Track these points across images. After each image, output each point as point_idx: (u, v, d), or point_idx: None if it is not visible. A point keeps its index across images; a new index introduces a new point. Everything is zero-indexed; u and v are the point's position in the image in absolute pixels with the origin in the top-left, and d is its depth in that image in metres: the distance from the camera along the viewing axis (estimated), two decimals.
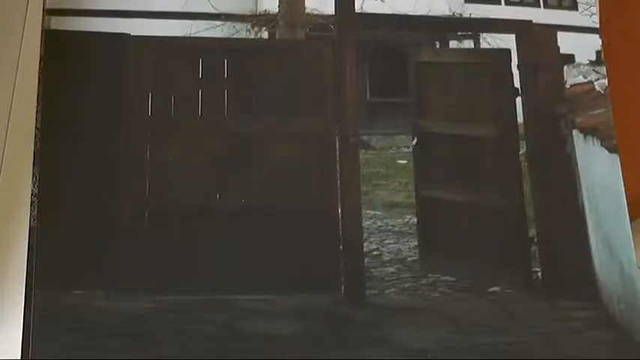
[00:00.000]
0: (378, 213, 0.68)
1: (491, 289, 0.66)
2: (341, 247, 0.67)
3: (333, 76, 0.69)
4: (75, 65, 0.67)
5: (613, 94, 0.71)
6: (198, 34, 0.69)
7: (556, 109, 0.71)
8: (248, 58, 0.69)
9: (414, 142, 0.70)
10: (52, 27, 0.68)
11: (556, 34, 0.73)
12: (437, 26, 0.73)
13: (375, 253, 0.68)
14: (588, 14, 0.75)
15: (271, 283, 0.65)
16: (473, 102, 0.71)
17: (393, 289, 0.66)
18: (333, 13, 0.71)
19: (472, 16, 0.74)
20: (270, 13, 0.71)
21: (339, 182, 0.67)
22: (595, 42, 0.73)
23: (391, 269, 0.67)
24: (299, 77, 0.69)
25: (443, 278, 0.67)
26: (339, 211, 0.67)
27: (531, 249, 0.68)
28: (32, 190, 0.64)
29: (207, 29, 0.70)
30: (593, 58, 0.73)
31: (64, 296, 0.62)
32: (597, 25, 0.74)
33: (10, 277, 0.62)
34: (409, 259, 0.68)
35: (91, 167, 0.65)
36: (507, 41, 0.72)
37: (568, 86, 0.72)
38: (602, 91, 0.71)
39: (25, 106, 0.66)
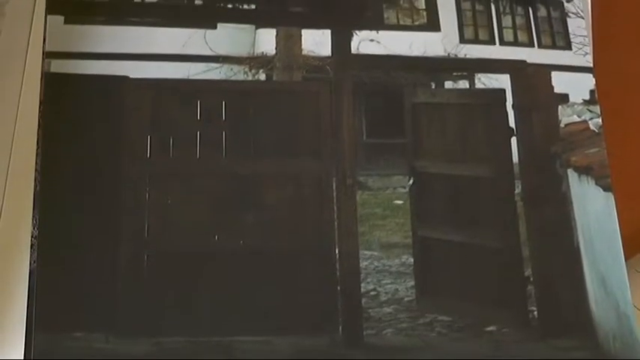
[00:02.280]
0: (376, 253, 0.80)
1: (487, 329, 0.78)
2: (338, 288, 0.78)
3: (330, 118, 0.82)
4: (74, 108, 0.79)
5: (607, 132, 0.84)
6: (196, 76, 0.82)
7: (551, 148, 0.83)
8: (246, 99, 0.81)
9: (411, 182, 0.83)
10: (52, 70, 0.80)
11: (550, 74, 0.86)
12: (432, 67, 0.86)
13: (372, 293, 0.80)
14: (582, 54, 0.88)
15: (270, 325, 0.76)
16: (468, 142, 0.84)
17: (390, 330, 0.78)
18: (330, 54, 0.84)
19: (467, 56, 0.87)
20: (268, 55, 0.84)
21: (336, 223, 0.80)
22: (589, 81, 0.87)
23: (388, 309, 0.79)
24: (296, 119, 0.81)
25: (440, 318, 0.79)
26: (337, 251, 0.79)
27: (527, 288, 0.80)
28: (32, 233, 0.75)
29: (205, 71, 0.82)
30: (587, 98, 0.86)
31: (63, 339, 0.73)
32: (591, 65, 0.87)
33: (10, 318, 0.73)
34: (406, 299, 0.80)
35: (91, 209, 0.77)
36: (502, 81, 0.85)
37: (563, 125, 0.84)
38: (597, 130, 0.84)
39: (24, 149, 0.78)
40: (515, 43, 0.88)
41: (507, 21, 0.88)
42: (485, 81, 0.84)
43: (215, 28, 0.82)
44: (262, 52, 0.82)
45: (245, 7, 0.84)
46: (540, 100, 0.83)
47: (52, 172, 0.75)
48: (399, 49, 0.83)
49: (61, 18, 0.81)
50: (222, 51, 0.81)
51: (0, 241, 0.73)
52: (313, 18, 0.84)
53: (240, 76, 0.81)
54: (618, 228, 0.77)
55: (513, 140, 0.82)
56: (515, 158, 0.81)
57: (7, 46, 0.80)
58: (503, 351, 0.75)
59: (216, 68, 0.80)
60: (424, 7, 0.87)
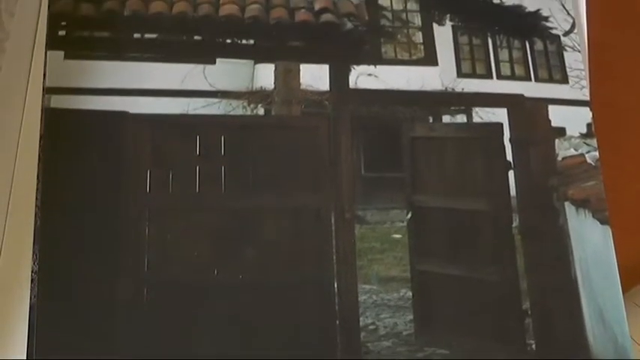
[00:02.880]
0: (374, 287, 0.86)
1: None
2: (337, 322, 0.84)
3: (329, 152, 0.87)
4: (74, 143, 0.84)
5: (604, 165, 0.90)
6: (195, 112, 0.88)
7: (548, 181, 0.89)
8: (244, 134, 0.87)
9: (409, 216, 0.88)
10: (52, 105, 0.85)
11: (547, 108, 0.92)
12: (430, 101, 0.92)
13: (371, 327, 0.85)
14: (579, 87, 0.94)
15: (269, 358, 0.82)
16: (466, 176, 0.89)
17: None
18: (328, 89, 0.90)
19: (465, 90, 0.93)
20: (266, 89, 0.90)
21: (334, 257, 0.85)
22: (585, 114, 0.92)
23: (387, 343, 0.84)
24: (295, 153, 0.87)
25: (438, 352, 0.84)
26: (336, 285, 0.85)
27: (525, 322, 0.85)
28: (32, 268, 0.81)
29: (204, 106, 0.88)
30: (584, 131, 0.92)
31: None
32: (588, 98, 0.93)
33: (11, 353, 0.78)
34: (405, 332, 0.85)
35: (91, 244, 0.82)
36: (499, 115, 0.91)
37: (560, 159, 0.90)
38: (594, 163, 0.90)
39: (25, 184, 0.83)
40: (513, 77, 0.94)
41: (504, 55, 0.94)
42: (483, 115, 0.90)
43: (214, 63, 0.88)
44: (261, 87, 0.87)
45: (244, 42, 0.90)
46: (537, 134, 0.89)
47: (52, 207, 0.80)
48: (396, 83, 0.89)
49: (61, 53, 0.86)
50: (221, 86, 0.87)
51: (0, 275, 0.78)
52: (311, 53, 0.90)
53: (239, 111, 0.86)
54: (616, 261, 0.83)
55: (511, 174, 0.87)
56: (512, 192, 0.87)
57: (7, 81, 0.85)
58: None
59: (215, 103, 0.86)
60: (422, 41, 0.93)
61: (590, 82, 0.91)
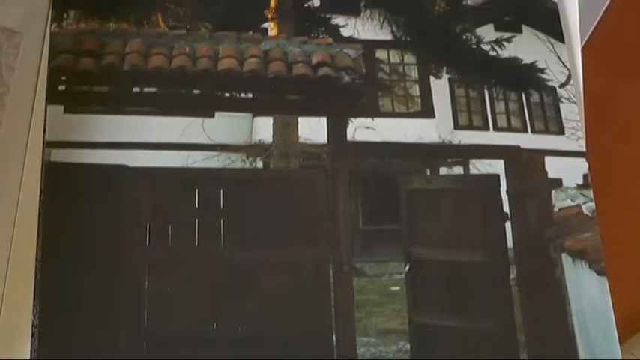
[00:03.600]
0: (372, 340, 0.93)
1: None
2: None
3: (327, 205, 0.95)
4: (74, 197, 0.91)
5: (600, 216, 0.97)
6: (194, 165, 0.95)
7: (545, 233, 0.96)
8: (243, 187, 0.95)
9: (407, 268, 0.96)
10: (52, 159, 0.93)
11: (543, 159, 1.00)
12: (427, 154, 1.00)
13: None
14: (575, 138, 1.02)
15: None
16: (463, 228, 0.97)
17: None
18: (326, 142, 0.98)
19: (461, 142, 1.01)
20: (265, 143, 0.98)
21: (333, 309, 0.92)
22: (582, 166, 1.00)
23: None
24: (293, 206, 0.94)
25: None
26: (334, 338, 0.91)
27: None
28: (33, 321, 0.87)
29: (203, 160, 0.96)
30: (580, 182, 0.99)
31: None
32: (584, 149, 1.01)
33: None
34: None
35: (91, 297, 0.89)
36: (496, 167, 0.99)
37: (556, 210, 0.98)
38: (590, 214, 0.98)
39: (25, 237, 0.89)
40: (509, 128, 1.02)
41: (501, 107, 1.03)
42: (480, 167, 0.97)
43: (213, 116, 0.96)
44: (259, 140, 0.95)
45: (242, 95, 0.98)
46: (534, 186, 0.97)
47: (52, 261, 0.86)
48: (394, 136, 0.97)
49: (61, 108, 0.94)
50: (220, 139, 0.94)
51: (1, 329, 0.84)
52: (309, 106, 0.98)
53: (238, 164, 0.94)
54: (613, 312, 0.90)
55: (508, 225, 0.95)
56: (509, 243, 0.94)
57: (8, 135, 0.91)
58: None
59: (214, 156, 0.94)
60: (418, 94, 1.01)
61: (586, 133, 0.98)
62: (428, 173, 0.95)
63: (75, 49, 0.96)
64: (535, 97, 1.01)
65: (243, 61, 0.96)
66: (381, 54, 1.00)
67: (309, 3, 1.03)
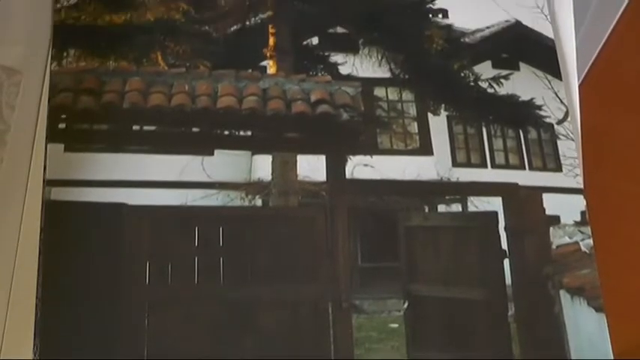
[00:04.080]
0: None
1: None
2: None
3: (326, 242, 0.99)
4: (74, 235, 0.96)
5: (598, 253, 1.02)
6: (194, 203, 1.00)
7: (543, 270, 1.01)
8: (242, 225, 0.99)
9: (405, 305, 1.01)
10: (52, 197, 0.97)
11: (541, 196, 1.05)
12: (426, 191, 1.05)
13: None
14: (572, 175, 1.08)
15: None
16: (462, 265, 1.02)
17: None
18: (325, 179, 1.03)
19: (460, 179, 1.06)
20: (264, 181, 1.03)
21: (332, 346, 0.96)
22: (579, 202, 1.05)
23: None
24: (292, 244, 0.99)
25: None
26: None
27: None
28: None
29: (202, 198, 1.01)
30: (578, 219, 1.05)
31: None
32: (581, 186, 1.06)
33: None
34: None
35: (91, 335, 0.93)
36: (494, 204, 1.04)
37: (554, 247, 1.03)
38: (588, 251, 1.03)
39: (25, 276, 0.93)
40: (507, 165, 1.07)
41: (498, 144, 1.08)
42: (478, 204, 1.03)
43: (212, 154, 1.01)
44: (259, 178, 1.00)
45: (241, 133, 1.03)
46: (532, 223, 1.02)
47: (52, 299, 0.90)
48: (392, 173, 1.02)
49: (61, 146, 0.98)
50: (219, 177, 0.99)
51: None
52: (308, 144, 1.03)
53: (237, 202, 0.99)
54: (611, 348, 0.95)
55: (506, 262, 1.00)
56: (508, 280, 0.99)
57: (8, 174, 0.95)
58: None
59: (214, 194, 0.99)
60: (417, 131, 1.07)
61: (583, 169, 1.04)
62: (426, 210, 1.00)
63: (75, 87, 1.00)
64: (533, 134, 1.07)
65: (242, 99, 1.01)
66: (379, 91, 1.06)
67: (308, 41, 1.08)
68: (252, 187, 0.95)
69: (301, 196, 0.97)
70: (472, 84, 1.08)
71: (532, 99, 1.08)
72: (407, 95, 1.04)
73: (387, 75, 1.06)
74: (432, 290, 0.96)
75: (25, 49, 1.00)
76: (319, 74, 1.06)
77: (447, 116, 1.04)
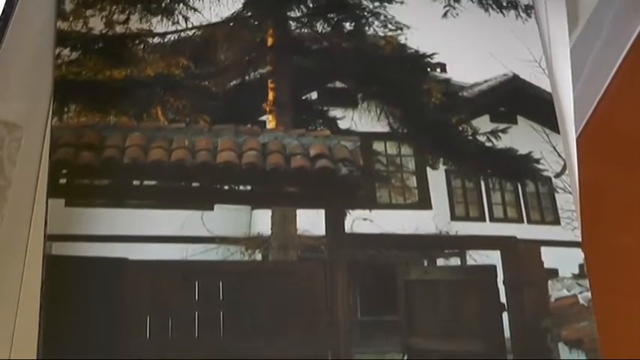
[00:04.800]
0: None
1: None
2: None
3: (325, 296, 1.07)
4: (75, 289, 1.02)
5: (596, 306, 1.10)
6: (194, 257, 1.08)
7: (542, 323, 1.08)
8: (242, 280, 1.07)
9: (405, 359, 1.08)
10: (54, 252, 1.04)
11: (540, 249, 1.13)
12: (424, 245, 1.12)
13: None
14: (570, 228, 1.16)
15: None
16: (460, 318, 1.09)
17: None
18: (324, 234, 1.11)
19: (458, 233, 1.14)
20: (263, 235, 1.10)
21: None
22: (577, 255, 1.13)
23: None
24: (292, 297, 1.06)
25: None
26: None
27: None
28: None
29: (203, 252, 1.08)
30: (577, 272, 1.12)
31: None
32: (579, 239, 1.14)
33: None
34: None
35: None
36: (493, 257, 1.12)
37: (553, 300, 1.10)
38: (586, 304, 1.10)
39: (26, 331, 0.99)
40: (505, 219, 1.15)
41: (497, 197, 1.16)
42: (477, 257, 1.10)
43: (212, 209, 1.09)
44: (258, 233, 1.08)
45: (241, 188, 1.11)
46: (530, 276, 1.09)
47: (53, 354, 0.96)
48: (391, 227, 1.10)
49: (62, 201, 1.05)
50: (219, 232, 1.07)
51: None
52: (307, 198, 1.11)
53: (237, 257, 1.07)
54: None
55: (505, 315, 1.08)
56: (507, 333, 1.07)
57: (9, 229, 1.01)
58: None
59: (214, 249, 1.07)
60: (415, 185, 1.15)
61: (581, 222, 1.12)
62: (425, 264, 1.07)
63: (75, 142, 1.07)
64: (531, 187, 1.15)
65: (242, 154, 1.09)
66: (378, 146, 1.14)
67: (307, 96, 1.17)
68: (251, 241, 1.02)
69: (301, 250, 1.04)
70: (470, 138, 1.16)
71: (530, 152, 1.16)
72: (405, 149, 1.12)
73: (386, 129, 1.14)
74: (431, 343, 1.03)
75: (26, 105, 1.07)
76: (318, 129, 1.13)
77: (446, 170, 1.11)
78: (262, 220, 1.05)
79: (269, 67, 1.18)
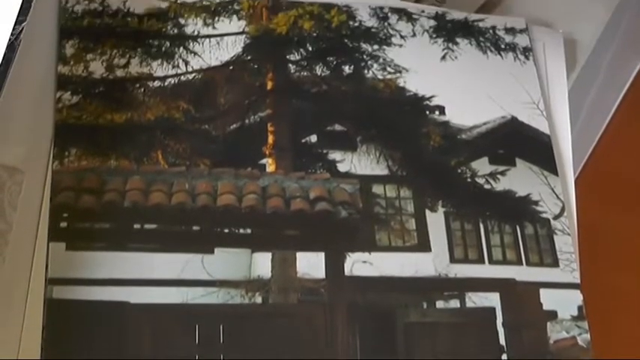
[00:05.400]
0: None
1: None
2: None
3: (325, 338, 1.11)
4: (76, 333, 1.06)
5: (595, 348, 1.14)
6: (194, 301, 1.12)
7: None
8: (243, 322, 1.10)
9: None
10: (54, 296, 1.08)
11: (538, 291, 1.17)
12: (424, 287, 1.16)
13: None
14: (569, 270, 1.20)
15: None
16: None
17: None
18: (324, 277, 1.15)
19: (457, 276, 1.18)
20: (263, 278, 1.14)
21: None
22: (576, 297, 1.17)
23: None
24: (293, 340, 1.10)
25: None
26: None
27: None
28: None
29: (203, 295, 1.12)
30: (575, 314, 1.16)
31: None
32: (578, 281, 1.19)
33: None
34: None
35: None
36: (492, 299, 1.16)
37: (552, 342, 1.14)
38: (585, 346, 1.14)
39: None
40: (504, 261, 1.20)
41: (496, 239, 1.21)
42: (476, 299, 1.15)
43: (212, 252, 1.13)
44: (258, 276, 1.12)
45: (241, 231, 1.16)
46: (529, 318, 1.13)
47: None
48: (390, 269, 1.14)
49: (63, 245, 1.10)
50: (219, 275, 1.11)
51: None
52: (307, 241, 1.15)
53: (237, 300, 1.11)
54: None
55: (504, 357, 1.12)
56: None
57: (10, 273, 1.03)
58: None
59: (214, 292, 1.11)
60: (415, 227, 1.19)
61: (580, 264, 1.16)
62: (425, 306, 1.11)
63: (76, 186, 1.11)
64: (529, 229, 1.19)
65: (242, 197, 1.13)
66: (377, 188, 1.18)
67: (307, 139, 1.21)
68: (252, 284, 1.06)
69: (301, 293, 1.08)
70: (469, 180, 1.21)
71: (529, 194, 1.21)
72: (404, 192, 1.16)
73: (385, 172, 1.18)
74: None
75: (27, 149, 1.10)
76: (318, 171, 1.18)
77: (445, 212, 1.16)
78: (262, 263, 1.09)
79: (269, 110, 1.23)
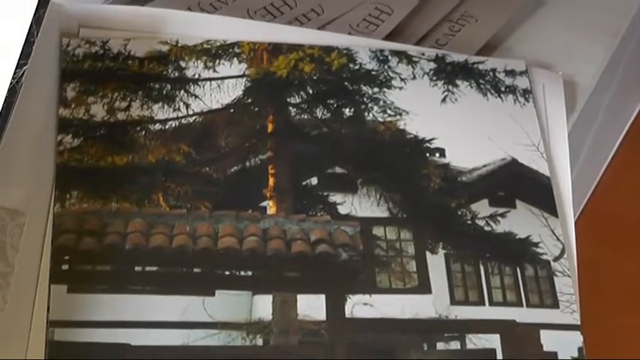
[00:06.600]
0: None
1: None
2: None
3: None
4: None
5: None
6: (195, 343, 1.16)
7: None
8: None
9: None
10: (56, 338, 1.13)
11: (539, 332, 1.22)
12: (424, 329, 1.21)
13: None
14: (569, 312, 1.25)
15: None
16: None
17: None
18: (325, 318, 1.21)
19: (458, 317, 1.23)
20: (264, 320, 1.19)
21: None
22: (577, 339, 1.22)
23: None
24: None
25: None
26: None
27: None
28: None
29: (204, 338, 1.17)
30: (576, 355, 1.20)
31: None
32: (578, 322, 1.24)
33: None
34: None
35: None
36: (492, 341, 1.21)
37: None
38: None
39: None
40: (505, 303, 1.25)
41: (496, 281, 1.26)
42: (476, 341, 1.20)
43: (213, 295, 1.19)
44: (259, 318, 1.18)
45: (242, 273, 1.22)
46: (530, 359, 1.20)
47: None
48: (391, 311, 1.20)
49: (64, 287, 1.15)
50: (220, 317, 1.16)
51: None
52: (308, 283, 1.20)
53: (238, 342, 1.16)
54: None
55: None
56: None
57: (12, 315, 1.08)
58: None
59: (215, 334, 1.16)
60: (415, 269, 1.25)
61: (580, 305, 1.22)
62: (425, 348, 1.17)
63: (77, 228, 1.16)
64: (530, 270, 1.25)
65: (243, 240, 1.19)
66: (377, 230, 1.24)
67: (307, 181, 1.27)
68: (252, 326, 1.12)
69: (301, 334, 1.12)
70: (469, 222, 1.26)
71: (529, 236, 1.26)
72: (405, 234, 1.22)
73: (386, 214, 1.24)
74: None
75: (29, 192, 1.15)
76: (318, 214, 1.23)
77: (445, 254, 1.21)
78: (263, 305, 1.14)
79: (269, 152, 1.29)
